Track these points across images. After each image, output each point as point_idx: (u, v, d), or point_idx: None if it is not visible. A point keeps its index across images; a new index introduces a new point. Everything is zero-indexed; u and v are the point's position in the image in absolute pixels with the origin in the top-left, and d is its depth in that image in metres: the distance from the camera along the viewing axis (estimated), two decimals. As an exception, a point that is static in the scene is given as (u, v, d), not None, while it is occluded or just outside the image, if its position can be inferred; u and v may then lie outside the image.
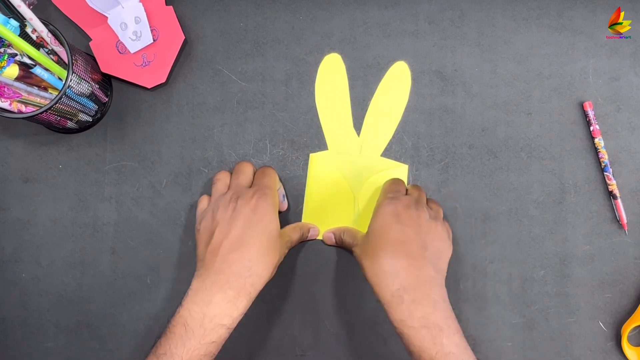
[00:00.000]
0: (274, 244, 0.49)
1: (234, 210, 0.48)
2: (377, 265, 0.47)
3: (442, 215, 0.53)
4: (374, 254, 0.47)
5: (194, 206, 0.57)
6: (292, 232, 0.53)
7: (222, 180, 0.53)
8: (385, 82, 0.57)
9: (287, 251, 0.52)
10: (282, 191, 0.55)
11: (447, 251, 0.50)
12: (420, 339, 0.44)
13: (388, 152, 0.57)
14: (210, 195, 0.53)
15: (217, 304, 0.45)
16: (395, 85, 0.57)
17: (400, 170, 0.57)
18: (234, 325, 0.46)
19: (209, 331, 0.44)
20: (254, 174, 0.54)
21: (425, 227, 0.49)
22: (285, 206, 0.56)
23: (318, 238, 0.56)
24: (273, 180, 0.52)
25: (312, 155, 0.57)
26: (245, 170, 0.53)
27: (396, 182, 0.53)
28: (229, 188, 0.52)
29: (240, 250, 0.47)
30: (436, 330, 0.44)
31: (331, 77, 0.58)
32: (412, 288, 0.45)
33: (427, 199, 0.54)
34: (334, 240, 0.55)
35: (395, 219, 0.48)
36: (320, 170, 0.57)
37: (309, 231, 0.55)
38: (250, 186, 0.52)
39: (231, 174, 0.54)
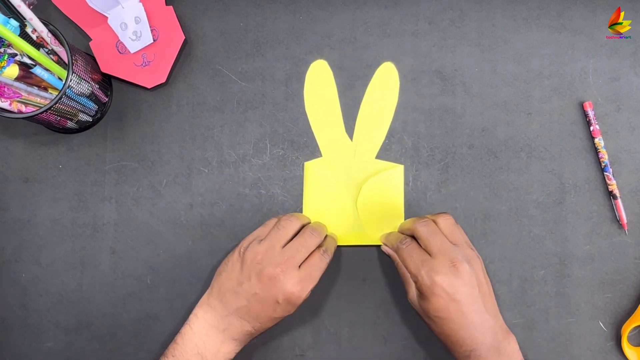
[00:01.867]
0: (282, 318, 0.50)
1: (272, 285, 0.47)
2: (453, 338, 0.47)
3: (467, 239, 0.51)
4: (447, 331, 0.47)
5: (194, 206, 0.57)
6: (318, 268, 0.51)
7: (288, 228, 0.50)
8: (374, 84, 0.57)
9: None
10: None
11: (490, 285, 0.50)
12: None
13: (388, 153, 0.57)
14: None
15: (229, 344, 0.49)
16: (384, 87, 0.57)
17: (396, 171, 0.57)
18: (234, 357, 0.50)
19: None
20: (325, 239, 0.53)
21: (483, 288, 0.48)
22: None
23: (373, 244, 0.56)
24: (324, 268, 0.51)
25: (306, 163, 0.57)
26: (318, 231, 0.51)
27: (438, 237, 0.49)
28: (291, 243, 0.50)
29: (255, 322, 0.49)
30: None
31: (319, 84, 0.58)
32: (480, 346, 0.46)
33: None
34: (389, 252, 0.54)
35: (464, 302, 0.46)
36: (316, 177, 0.57)
37: (335, 246, 0.54)
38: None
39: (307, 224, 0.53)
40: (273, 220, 0.52)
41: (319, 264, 0.50)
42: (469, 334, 0.46)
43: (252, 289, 0.48)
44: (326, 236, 0.54)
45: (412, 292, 0.49)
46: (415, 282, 0.48)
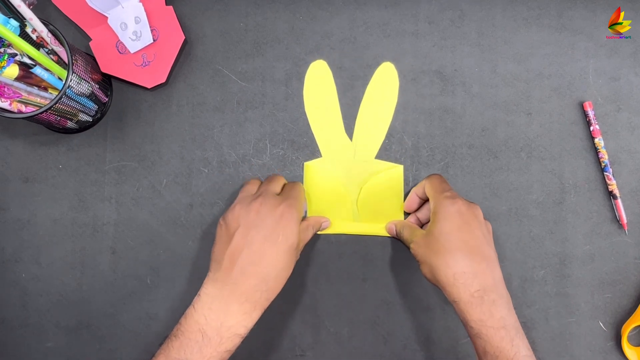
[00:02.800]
0: (292, 258, 0.48)
1: (258, 214, 0.47)
2: (453, 266, 0.46)
3: None
4: (448, 255, 0.47)
5: (194, 206, 0.57)
6: (305, 233, 0.52)
7: (252, 183, 0.53)
8: (373, 84, 0.57)
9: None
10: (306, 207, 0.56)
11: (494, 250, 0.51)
12: (499, 339, 0.44)
13: (388, 153, 0.57)
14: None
15: (234, 314, 0.45)
16: (383, 87, 0.57)
17: (396, 171, 0.57)
18: (247, 334, 0.46)
19: (226, 340, 0.45)
20: (284, 186, 0.53)
21: (484, 226, 0.49)
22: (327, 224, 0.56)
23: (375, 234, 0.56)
24: (302, 194, 0.52)
25: (306, 163, 0.57)
26: (276, 179, 0.53)
27: (441, 179, 0.53)
28: (257, 191, 0.51)
29: (260, 264, 0.46)
30: (514, 331, 0.45)
31: (318, 84, 0.58)
32: (490, 289, 0.46)
33: None
34: (394, 231, 0.55)
35: (462, 219, 0.48)
36: (316, 177, 0.57)
37: (320, 225, 0.55)
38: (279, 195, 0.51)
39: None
40: (253, 180, 0.54)
41: (294, 185, 0.52)
42: (479, 267, 0.46)
43: (243, 232, 0.46)
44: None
45: (418, 235, 0.51)
46: (435, 205, 0.49)
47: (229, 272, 0.46)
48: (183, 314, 0.46)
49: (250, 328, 0.46)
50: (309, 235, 0.53)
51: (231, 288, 0.45)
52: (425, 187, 0.53)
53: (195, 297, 0.46)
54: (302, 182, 0.57)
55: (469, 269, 0.46)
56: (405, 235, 0.53)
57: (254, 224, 0.47)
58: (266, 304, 0.47)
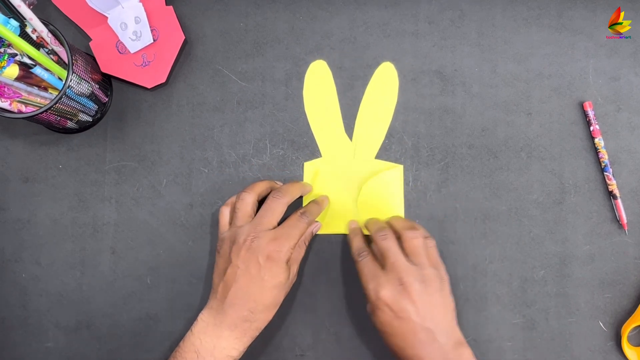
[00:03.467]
0: (280, 292, 0.49)
1: (247, 253, 0.48)
2: (401, 355, 0.48)
3: (440, 261, 0.50)
4: (394, 348, 0.48)
5: (194, 206, 0.57)
6: (298, 252, 0.52)
7: (246, 203, 0.52)
8: (373, 84, 0.57)
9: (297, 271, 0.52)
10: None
11: (450, 302, 0.49)
12: None
13: (388, 153, 0.57)
14: (233, 201, 0.53)
15: (226, 338, 0.48)
16: (383, 87, 0.57)
17: (396, 171, 0.57)
18: (240, 356, 0.49)
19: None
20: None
21: (437, 309, 0.47)
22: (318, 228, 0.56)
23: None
24: (301, 227, 0.51)
25: (306, 164, 0.57)
26: (275, 208, 0.51)
27: (388, 246, 0.49)
28: (252, 223, 0.50)
29: (247, 300, 0.48)
30: None
31: (318, 84, 0.58)
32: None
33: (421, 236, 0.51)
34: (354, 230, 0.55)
35: (408, 323, 0.46)
36: (316, 177, 0.57)
37: (311, 235, 0.55)
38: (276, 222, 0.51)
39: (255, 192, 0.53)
40: (248, 197, 0.52)
41: (296, 223, 0.51)
42: (416, 353, 0.46)
43: (234, 268, 0.48)
44: (310, 202, 0.55)
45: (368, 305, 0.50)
46: (366, 296, 0.49)
47: (221, 302, 0.49)
48: (185, 335, 0.49)
49: (242, 351, 0.49)
50: (301, 253, 0.53)
51: (222, 317, 0.48)
52: (357, 263, 0.51)
53: (194, 322, 0.49)
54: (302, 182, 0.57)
55: (403, 356, 0.47)
56: (361, 275, 0.51)
57: (242, 264, 0.48)
58: (256, 333, 0.49)
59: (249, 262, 0.48)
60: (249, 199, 0.52)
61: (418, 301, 0.46)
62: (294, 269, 0.51)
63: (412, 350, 0.46)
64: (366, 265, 0.50)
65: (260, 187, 0.53)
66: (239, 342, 0.48)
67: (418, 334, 0.46)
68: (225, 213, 0.53)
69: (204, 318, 0.49)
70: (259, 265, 0.48)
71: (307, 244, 0.53)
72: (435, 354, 0.46)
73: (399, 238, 0.50)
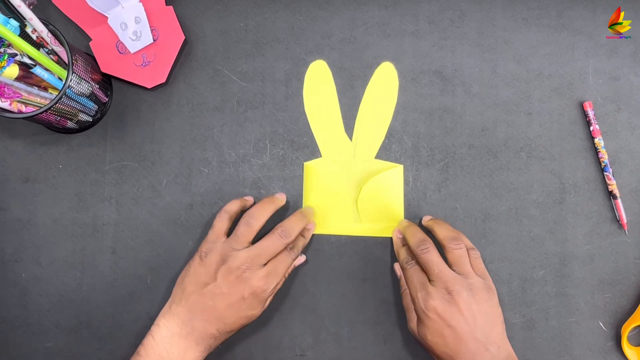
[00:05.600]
0: (247, 323, 0.50)
1: (238, 278, 0.49)
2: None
3: (486, 272, 0.51)
4: (444, 357, 0.47)
5: (194, 206, 0.57)
6: (278, 286, 0.52)
7: (252, 228, 0.51)
8: (373, 84, 0.57)
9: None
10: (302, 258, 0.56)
11: (499, 314, 0.49)
12: None
13: (388, 153, 0.57)
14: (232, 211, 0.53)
15: (193, 351, 0.48)
16: (383, 87, 0.57)
17: (396, 171, 0.57)
18: None
19: None
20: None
21: (486, 319, 0.47)
22: (302, 260, 0.56)
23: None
24: (289, 263, 0.52)
25: (306, 164, 0.57)
26: (269, 246, 0.51)
27: (414, 273, 0.50)
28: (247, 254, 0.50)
29: (218, 322, 0.49)
30: None
31: (318, 84, 0.58)
32: None
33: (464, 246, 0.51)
34: (398, 275, 0.54)
35: (459, 330, 0.46)
36: (316, 178, 0.57)
37: (293, 267, 0.55)
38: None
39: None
40: (258, 213, 0.52)
41: (285, 259, 0.51)
42: (477, 354, 0.46)
43: (217, 288, 0.48)
44: (298, 237, 0.54)
45: (412, 320, 0.50)
46: (414, 305, 0.49)
47: (191, 315, 0.49)
48: (141, 343, 0.48)
49: None
50: (280, 285, 0.53)
51: (190, 330, 0.48)
52: (405, 276, 0.51)
53: (154, 327, 0.49)
54: (302, 182, 0.57)
55: None
56: (403, 304, 0.52)
57: (227, 289, 0.49)
58: (217, 345, 0.51)
59: (233, 290, 0.48)
60: (256, 225, 0.51)
61: (466, 310, 0.46)
62: (269, 301, 0.52)
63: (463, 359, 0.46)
64: (415, 273, 0.50)
65: (270, 211, 0.53)
66: (202, 356, 0.49)
67: (468, 344, 0.46)
68: (224, 220, 0.52)
69: (168, 326, 0.48)
70: (242, 297, 0.49)
71: (287, 276, 0.54)
72: None
73: (442, 248, 0.51)
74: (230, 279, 0.48)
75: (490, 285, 0.49)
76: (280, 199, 0.55)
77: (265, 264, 0.50)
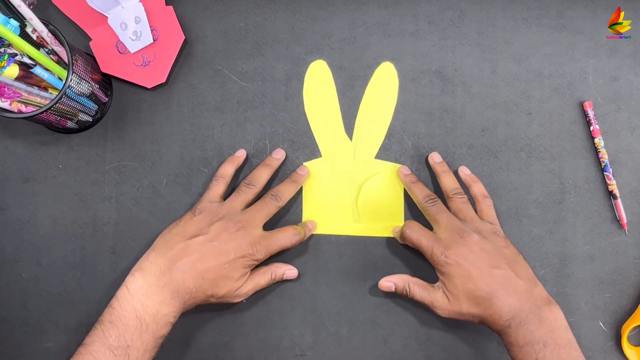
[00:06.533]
0: (220, 292, 0.49)
1: (230, 234, 0.49)
2: (490, 309, 0.47)
3: (496, 219, 0.53)
4: (481, 301, 0.47)
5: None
6: (262, 278, 0.52)
7: (251, 192, 0.53)
8: (373, 84, 0.57)
9: (251, 290, 0.52)
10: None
11: (522, 258, 0.50)
12: (523, 355, 0.45)
13: (388, 153, 0.57)
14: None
15: (168, 304, 0.47)
16: (383, 87, 0.57)
17: (396, 171, 0.57)
18: (175, 322, 0.48)
19: (161, 326, 0.47)
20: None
21: (506, 255, 0.49)
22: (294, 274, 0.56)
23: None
24: (287, 241, 0.52)
25: (306, 164, 0.57)
26: (269, 206, 0.53)
27: (418, 230, 0.51)
28: (246, 204, 0.53)
29: (197, 277, 0.48)
30: (539, 345, 0.45)
31: (318, 84, 0.58)
32: (518, 313, 0.46)
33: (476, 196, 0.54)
34: (393, 289, 0.53)
35: (483, 263, 0.48)
36: (316, 178, 0.57)
37: (282, 276, 0.54)
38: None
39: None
40: (260, 176, 0.54)
41: (287, 237, 0.52)
42: (504, 300, 0.46)
43: (207, 238, 0.49)
44: (305, 223, 0.55)
45: (437, 298, 0.50)
46: (432, 262, 0.50)
47: (171, 263, 0.48)
48: (114, 295, 0.47)
49: (177, 317, 0.48)
50: (262, 282, 0.52)
51: (167, 280, 0.47)
52: (412, 242, 0.51)
53: (129, 277, 0.47)
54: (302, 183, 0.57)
55: (503, 307, 0.46)
56: (418, 296, 0.51)
57: (217, 242, 0.49)
58: (190, 307, 0.49)
59: (223, 244, 0.48)
60: (258, 187, 0.53)
61: (481, 250, 0.48)
62: (248, 288, 0.51)
63: (498, 298, 0.46)
64: (422, 232, 0.51)
65: (268, 174, 0.55)
66: (176, 312, 0.47)
67: (499, 278, 0.47)
68: (220, 184, 0.53)
69: (145, 276, 0.47)
70: (228, 254, 0.48)
71: (274, 279, 0.53)
72: (523, 298, 0.46)
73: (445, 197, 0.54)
74: (224, 234, 0.49)
75: (498, 230, 0.51)
76: (277, 158, 0.56)
77: (264, 233, 0.51)
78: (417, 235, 0.51)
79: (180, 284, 0.47)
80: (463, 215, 0.52)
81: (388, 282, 0.53)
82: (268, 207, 0.52)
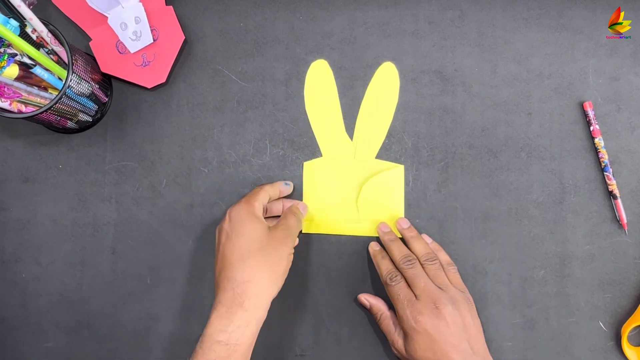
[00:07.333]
0: (256, 249, 0.48)
1: (227, 220, 0.50)
2: None
3: (464, 285, 0.53)
4: None
5: (194, 206, 0.57)
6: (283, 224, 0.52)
7: (295, 215, 0.53)
8: (374, 84, 0.57)
9: (290, 250, 0.51)
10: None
11: (481, 331, 0.50)
12: None
13: (388, 153, 0.57)
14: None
15: (212, 322, 0.46)
16: (384, 87, 0.57)
17: (396, 171, 0.57)
18: (235, 340, 0.46)
19: (206, 350, 0.45)
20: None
21: (470, 331, 0.49)
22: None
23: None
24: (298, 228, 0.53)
25: (305, 163, 0.57)
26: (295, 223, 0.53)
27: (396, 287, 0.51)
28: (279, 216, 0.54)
29: (225, 269, 0.48)
30: None
31: (319, 84, 0.58)
32: None
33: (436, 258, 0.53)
34: (368, 307, 0.55)
35: (447, 338, 0.48)
36: (316, 177, 0.57)
37: (299, 209, 0.55)
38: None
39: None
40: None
41: (293, 221, 0.52)
42: None
43: (219, 241, 0.50)
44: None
45: (397, 341, 0.51)
46: (400, 322, 0.50)
47: (217, 288, 0.48)
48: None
49: (233, 332, 0.46)
50: (292, 222, 0.53)
51: (214, 302, 0.47)
52: (391, 295, 0.51)
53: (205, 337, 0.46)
54: (302, 182, 0.57)
55: None
56: (385, 328, 0.53)
57: (228, 221, 0.50)
58: (246, 300, 0.47)
59: (228, 232, 0.49)
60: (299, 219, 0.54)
61: (452, 323, 0.48)
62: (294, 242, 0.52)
63: None
64: (401, 290, 0.50)
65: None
66: (226, 321, 0.46)
67: (455, 357, 0.47)
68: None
69: (218, 309, 0.46)
70: (226, 233, 0.49)
71: (283, 207, 0.55)
72: None
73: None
74: (225, 227, 0.50)
75: (469, 298, 0.51)
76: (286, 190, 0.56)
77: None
78: (400, 287, 0.51)
79: (218, 294, 0.47)
80: (438, 282, 0.51)
81: (366, 301, 0.55)
82: (264, 187, 0.54)
